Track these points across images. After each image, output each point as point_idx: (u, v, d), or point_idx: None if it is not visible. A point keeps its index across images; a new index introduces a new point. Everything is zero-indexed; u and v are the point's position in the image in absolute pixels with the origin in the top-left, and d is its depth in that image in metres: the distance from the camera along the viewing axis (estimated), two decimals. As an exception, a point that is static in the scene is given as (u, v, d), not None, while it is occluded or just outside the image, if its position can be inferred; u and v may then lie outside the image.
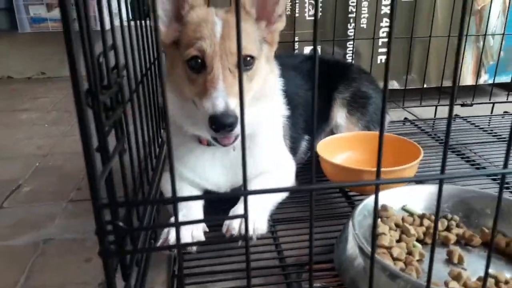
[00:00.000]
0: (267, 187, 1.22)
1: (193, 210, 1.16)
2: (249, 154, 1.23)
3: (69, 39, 0.52)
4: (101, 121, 0.63)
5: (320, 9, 2.26)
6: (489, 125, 2.04)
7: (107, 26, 0.73)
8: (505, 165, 0.60)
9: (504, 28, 2.29)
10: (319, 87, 1.79)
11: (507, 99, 2.24)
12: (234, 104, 0.96)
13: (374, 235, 0.57)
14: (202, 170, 1.23)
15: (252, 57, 1.06)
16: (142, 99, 1.22)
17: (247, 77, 1.06)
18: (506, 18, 2.33)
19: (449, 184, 1.24)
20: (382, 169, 1.31)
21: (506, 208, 1.09)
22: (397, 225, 1.11)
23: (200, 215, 1.16)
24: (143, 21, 1.24)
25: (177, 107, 1.15)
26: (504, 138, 1.85)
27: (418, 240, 1.08)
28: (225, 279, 1.05)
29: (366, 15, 2.28)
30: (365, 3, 2.27)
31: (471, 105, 2.10)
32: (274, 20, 1.11)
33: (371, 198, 1.12)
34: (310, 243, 0.59)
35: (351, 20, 2.28)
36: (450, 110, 0.58)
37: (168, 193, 1.28)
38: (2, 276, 1.14)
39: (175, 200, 0.56)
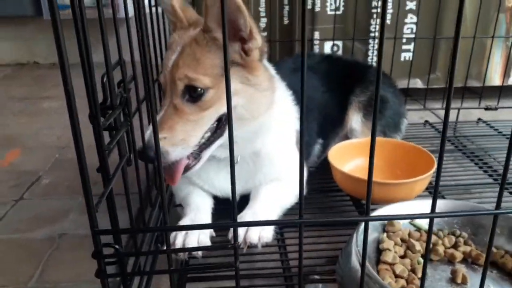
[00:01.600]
0: (276, 196, 1.23)
1: (201, 214, 1.18)
2: (256, 168, 1.24)
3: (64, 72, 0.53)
4: (101, 145, 0.65)
5: (342, 3, 2.22)
6: (513, 131, 1.97)
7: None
8: (498, 206, 0.59)
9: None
10: (335, 89, 1.76)
11: (535, 103, 2.15)
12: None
13: (363, 278, 0.57)
14: (207, 177, 1.24)
15: (199, 88, 1.01)
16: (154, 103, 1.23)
17: (197, 107, 1.02)
18: (539, 16, 2.24)
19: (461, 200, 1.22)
20: (392, 181, 1.30)
21: (515, 229, 1.07)
22: (403, 240, 1.11)
23: (208, 220, 1.18)
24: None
25: None
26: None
27: (423, 257, 1.08)
28: (230, 286, 1.07)
29: (390, 11, 2.22)
30: (389, -2, 2.20)
31: (496, 109, 2.03)
32: (246, 39, 1.04)
33: (378, 211, 1.12)
34: (300, 278, 0.60)
35: (375, 16, 2.23)
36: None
37: (177, 194, 1.30)
38: (19, 269, 1.19)
39: (165, 229, 0.57)
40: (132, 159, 0.89)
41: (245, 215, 1.14)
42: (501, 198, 0.63)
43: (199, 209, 1.20)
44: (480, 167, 1.65)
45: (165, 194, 0.55)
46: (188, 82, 1.01)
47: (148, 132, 0.98)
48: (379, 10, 2.20)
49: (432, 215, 0.60)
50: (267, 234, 1.10)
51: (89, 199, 0.55)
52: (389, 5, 2.21)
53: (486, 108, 2.04)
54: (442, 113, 2.22)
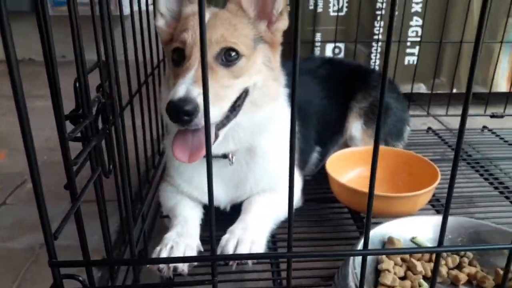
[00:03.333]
0: (270, 207, 1.15)
1: (188, 227, 1.10)
2: (249, 169, 1.17)
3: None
4: (67, 159, 0.58)
5: (346, 4, 2.14)
6: (519, 140, 1.89)
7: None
8: None
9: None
10: (335, 94, 1.68)
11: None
12: (196, 92, 0.87)
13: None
14: (199, 182, 1.16)
15: (236, 52, 0.99)
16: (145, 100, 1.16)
17: (229, 73, 0.98)
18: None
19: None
20: (394, 195, 1.22)
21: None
22: (403, 260, 1.03)
23: (196, 233, 1.10)
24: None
25: None
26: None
27: (425, 278, 1.00)
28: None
29: (395, 13, 2.14)
30: None
31: (502, 116, 1.95)
32: (275, 19, 1.06)
33: (377, 228, 1.04)
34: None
35: (379, 18, 2.15)
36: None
37: (165, 204, 1.23)
38: (-6, 283, 1.12)
39: (139, 263, 0.50)
40: (111, 169, 0.82)
41: (235, 229, 1.06)
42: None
43: (187, 221, 1.12)
44: (486, 178, 1.56)
45: (132, 225, 0.48)
46: (226, 45, 0.98)
47: (183, 86, 0.88)
48: (383, 12, 2.12)
49: (439, 250, 0.52)
50: (259, 249, 1.03)
51: (46, 228, 0.48)
52: (394, 7, 2.13)
53: (492, 116, 1.97)
54: (445, 119, 2.15)
